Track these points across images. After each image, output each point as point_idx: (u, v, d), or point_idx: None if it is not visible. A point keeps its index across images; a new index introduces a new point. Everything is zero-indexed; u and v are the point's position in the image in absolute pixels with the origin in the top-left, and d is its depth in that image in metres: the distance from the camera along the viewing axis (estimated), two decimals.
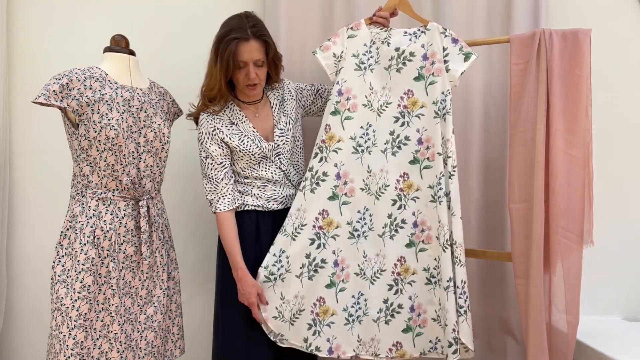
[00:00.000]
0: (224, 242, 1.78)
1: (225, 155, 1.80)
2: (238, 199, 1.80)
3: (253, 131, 1.83)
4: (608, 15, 2.15)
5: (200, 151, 1.81)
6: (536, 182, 1.75)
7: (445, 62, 1.81)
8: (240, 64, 1.72)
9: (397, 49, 1.85)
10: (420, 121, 1.82)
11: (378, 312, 1.81)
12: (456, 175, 1.78)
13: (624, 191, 2.18)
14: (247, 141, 1.79)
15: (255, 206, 1.82)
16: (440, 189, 1.77)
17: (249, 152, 1.79)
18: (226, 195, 1.78)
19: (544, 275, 1.78)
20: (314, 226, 1.79)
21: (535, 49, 1.78)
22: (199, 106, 1.84)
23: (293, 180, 1.89)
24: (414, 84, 1.84)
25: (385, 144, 1.84)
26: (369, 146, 1.84)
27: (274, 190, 1.84)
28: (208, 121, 1.80)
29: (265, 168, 1.82)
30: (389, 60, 1.86)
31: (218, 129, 1.79)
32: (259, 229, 1.83)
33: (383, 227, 1.82)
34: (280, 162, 1.84)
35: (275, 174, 1.84)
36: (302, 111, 1.99)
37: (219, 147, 1.79)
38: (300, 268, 1.78)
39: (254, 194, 1.82)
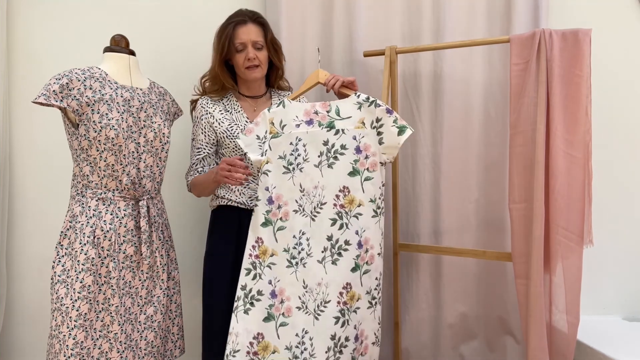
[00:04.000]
0: (201, 185, 1.82)
1: (207, 143, 1.86)
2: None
3: (246, 122, 1.86)
4: (608, 15, 2.15)
5: (191, 134, 1.90)
6: (536, 182, 1.75)
7: (379, 133, 1.67)
8: (239, 47, 1.79)
9: (325, 143, 1.69)
10: (359, 221, 1.65)
11: None
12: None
13: (623, 191, 2.18)
14: (236, 129, 1.83)
15: (238, 203, 1.84)
16: (378, 293, 1.66)
17: (236, 139, 1.82)
18: (195, 175, 1.85)
19: (544, 275, 1.78)
20: (247, 352, 1.61)
21: (535, 49, 1.78)
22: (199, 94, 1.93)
23: None
24: (349, 180, 1.67)
25: (322, 252, 1.65)
26: (302, 257, 1.66)
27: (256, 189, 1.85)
28: (202, 105, 1.87)
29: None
30: (319, 156, 1.69)
31: (210, 113, 1.85)
32: (241, 226, 1.83)
33: (326, 352, 1.59)
34: None
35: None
36: None
37: (202, 133, 1.86)
38: None
39: (238, 190, 1.84)
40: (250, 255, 1.70)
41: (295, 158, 1.71)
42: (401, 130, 1.67)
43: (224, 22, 1.83)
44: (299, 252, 1.67)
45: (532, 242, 1.75)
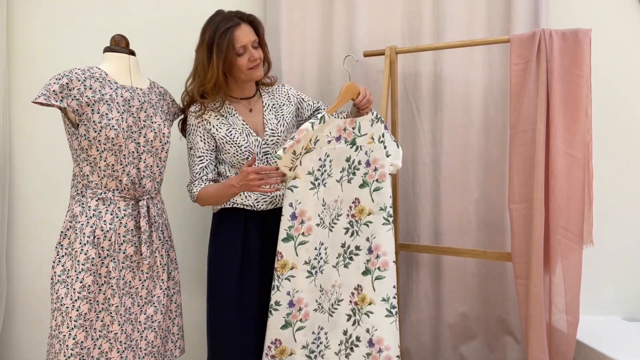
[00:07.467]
0: (214, 198, 1.77)
1: (207, 150, 1.82)
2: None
3: (243, 124, 1.83)
4: (608, 15, 2.15)
5: (187, 142, 1.85)
6: (536, 182, 1.75)
7: (385, 147, 1.78)
8: (241, 50, 1.75)
9: (347, 159, 1.77)
10: (369, 229, 1.74)
11: None
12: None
13: (624, 191, 2.18)
14: (235, 133, 1.81)
15: (244, 205, 1.82)
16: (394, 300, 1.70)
17: (236, 143, 1.79)
18: (201, 184, 1.79)
19: (544, 275, 1.78)
20: (266, 354, 1.72)
21: (535, 49, 1.78)
22: (187, 102, 1.86)
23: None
24: (359, 192, 1.76)
25: (337, 257, 1.77)
26: (321, 265, 1.76)
27: None
28: (196, 113, 1.82)
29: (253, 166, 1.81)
30: (341, 172, 1.78)
31: (205, 119, 1.81)
32: (247, 228, 1.82)
33: (339, 345, 1.75)
34: (267, 162, 1.84)
35: None
36: (297, 121, 1.99)
37: (202, 140, 1.81)
38: None
39: (244, 193, 1.82)
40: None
41: (322, 174, 1.77)
42: (397, 145, 1.82)
43: (213, 30, 1.73)
44: (318, 262, 1.77)
45: (532, 242, 1.75)
